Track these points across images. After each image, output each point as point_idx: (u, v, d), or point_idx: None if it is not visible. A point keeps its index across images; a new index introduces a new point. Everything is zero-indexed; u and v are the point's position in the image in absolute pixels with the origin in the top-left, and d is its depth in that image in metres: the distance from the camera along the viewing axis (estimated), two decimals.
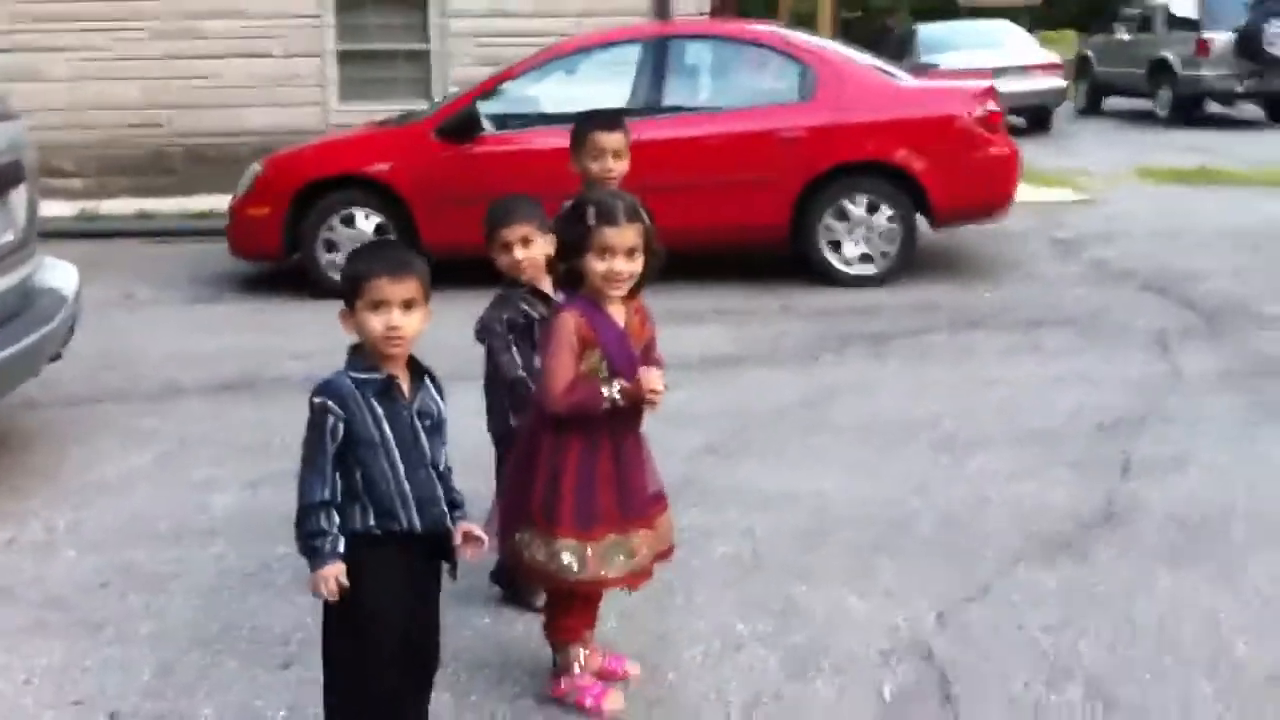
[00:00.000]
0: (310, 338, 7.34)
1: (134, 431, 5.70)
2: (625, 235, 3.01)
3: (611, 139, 4.13)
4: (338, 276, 8.76)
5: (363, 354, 2.72)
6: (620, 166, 4.13)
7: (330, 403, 2.65)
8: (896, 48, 18.47)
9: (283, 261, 8.82)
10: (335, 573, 2.61)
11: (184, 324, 7.90)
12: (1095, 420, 5.43)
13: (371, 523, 2.69)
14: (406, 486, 2.70)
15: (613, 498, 3.11)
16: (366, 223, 8.44)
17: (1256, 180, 12.34)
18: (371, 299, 2.66)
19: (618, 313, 3.10)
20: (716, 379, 6.29)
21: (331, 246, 8.47)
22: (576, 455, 3.08)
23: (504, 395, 3.68)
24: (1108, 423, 5.39)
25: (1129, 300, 7.66)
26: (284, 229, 8.55)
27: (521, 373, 3.59)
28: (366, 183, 8.51)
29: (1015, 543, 4.20)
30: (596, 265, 3.01)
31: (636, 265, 3.05)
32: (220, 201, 9.94)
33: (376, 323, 2.66)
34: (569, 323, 3.03)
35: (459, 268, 8.53)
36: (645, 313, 3.21)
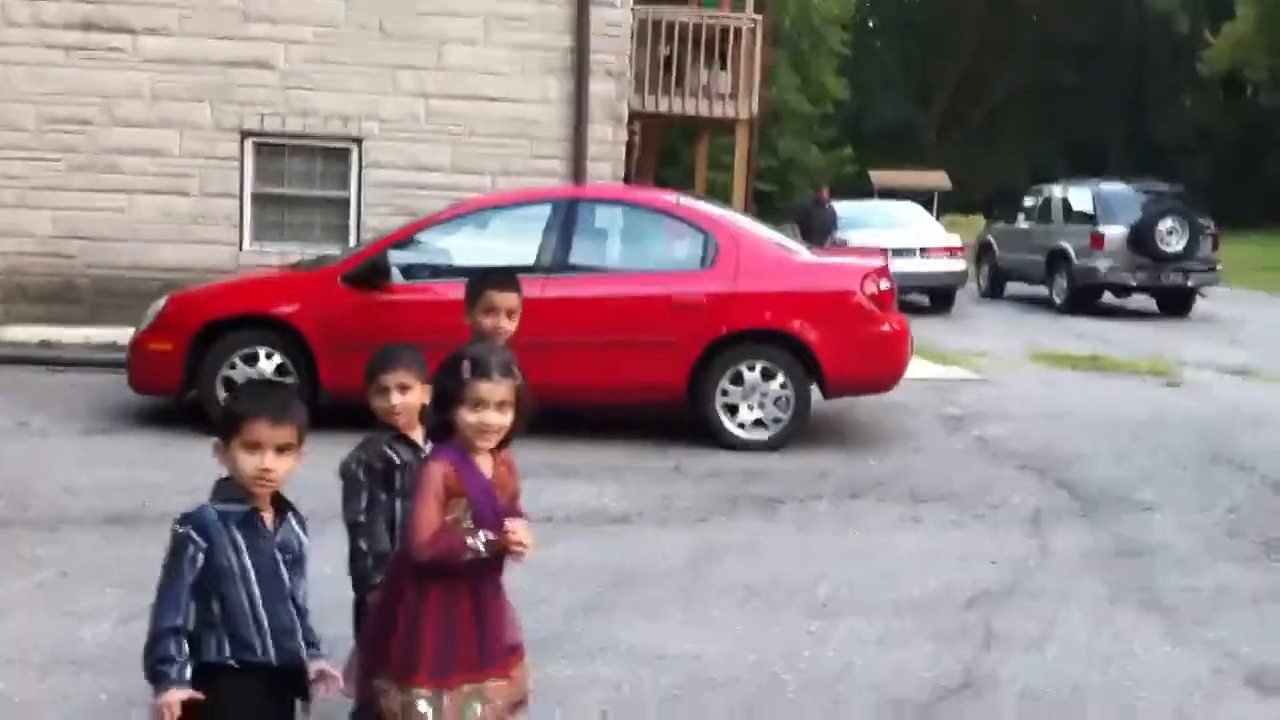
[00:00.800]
0: (202, 474, 7.30)
1: (14, 559, 5.65)
2: (498, 390, 3.13)
3: (506, 298, 4.28)
4: None
5: (229, 486, 2.79)
6: (511, 325, 4.28)
7: (192, 532, 2.72)
8: (829, 219, 19.30)
9: (181, 397, 8.81)
10: (178, 699, 2.64)
11: (78, 455, 7.83)
12: (964, 594, 5.58)
13: (227, 653, 2.73)
14: (265, 618, 2.76)
15: (472, 647, 3.16)
16: (268, 362, 8.50)
17: (1144, 370, 12.82)
18: (247, 439, 2.75)
19: (485, 464, 3.20)
20: (603, 534, 6.37)
21: (230, 385, 8.49)
22: (437, 603, 3.14)
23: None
24: (976, 596, 5.54)
25: (1009, 479, 7.90)
26: (184, 365, 8.57)
27: (360, 519, 3.66)
28: (271, 323, 8.58)
29: (873, 711, 4.29)
30: (469, 417, 3.12)
31: (507, 419, 3.16)
32: (123, 334, 9.95)
33: (249, 463, 2.74)
34: (437, 472, 3.12)
35: (357, 411, 8.54)
36: (511, 465, 3.31)
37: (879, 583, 5.74)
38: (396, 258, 8.75)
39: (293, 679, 2.85)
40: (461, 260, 8.86)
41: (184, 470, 7.39)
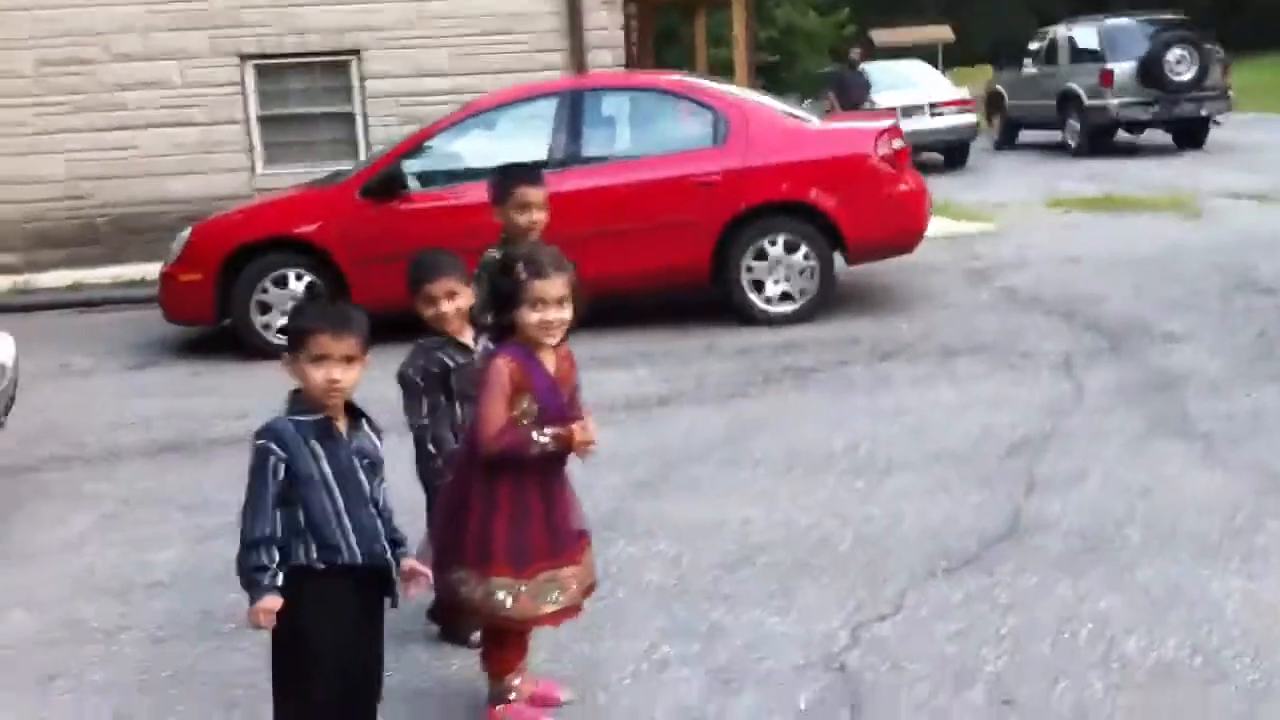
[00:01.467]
0: (246, 398, 7.50)
1: (77, 496, 5.84)
2: (555, 286, 3.23)
3: (535, 193, 4.35)
4: (271, 337, 8.95)
5: (302, 398, 2.91)
6: (543, 218, 4.35)
7: (272, 444, 2.84)
8: (864, 83, 18.68)
9: (216, 325, 8.95)
10: (272, 605, 2.79)
11: (121, 390, 8.00)
12: (1003, 441, 5.70)
13: (315, 556, 2.87)
14: (348, 521, 2.89)
15: (544, 536, 3.31)
16: (298, 283, 8.61)
17: (1159, 205, 12.80)
18: (313, 353, 2.85)
19: (548, 360, 3.31)
20: (642, 419, 6.51)
21: (265, 308, 8.63)
22: (508, 496, 3.27)
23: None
24: (1014, 442, 5.66)
25: (1037, 325, 7.98)
26: (216, 293, 8.69)
27: (424, 421, 3.80)
28: (296, 244, 8.68)
29: (925, 559, 4.44)
30: (531, 317, 3.22)
31: (567, 313, 3.27)
32: (150, 269, 10.08)
33: (318, 375, 2.85)
34: (503, 369, 3.23)
35: (390, 323, 8.69)
36: (572, 359, 3.42)
37: (919, 439, 5.86)
38: (410, 166, 8.81)
39: (379, 579, 2.99)
40: (474, 163, 8.88)
41: (227, 396, 7.59)
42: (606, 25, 13.40)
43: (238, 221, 9.14)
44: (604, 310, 8.28)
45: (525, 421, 3.24)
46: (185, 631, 4.23)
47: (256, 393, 7.64)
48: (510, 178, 4.39)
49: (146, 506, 5.62)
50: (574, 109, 8.94)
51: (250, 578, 2.82)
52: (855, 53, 18.88)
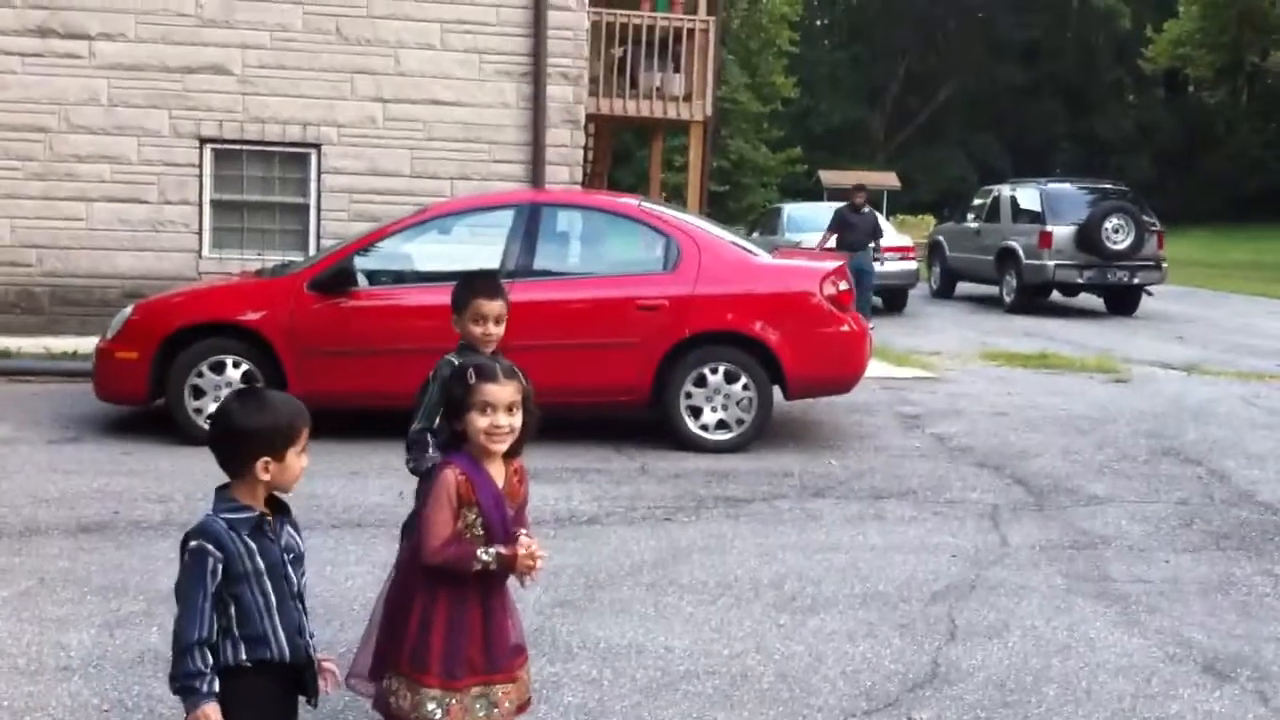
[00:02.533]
0: (172, 481, 7.42)
1: None
2: (505, 391, 3.26)
3: (494, 306, 4.37)
4: (203, 422, 8.85)
5: (230, 494, 2.89)
6: (499, 331, 4.38)
7: (208, 545, 2.81)
8: (872, 225, 17.59)
9: (148, 405, 8.86)
10: (212, 712, 2.74)
11: (45, 464, 7.86)
12: (927, 587, 5.76)
13: (243, 656, 2.83)
14: (277, 617, 2.87)
15: (479, 650, 3.28)
16: (235, 370, 8.56)
17: (1092, 367, 13.11)
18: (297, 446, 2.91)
19: (497, 473, 3.31)
20: (571, 536, 6.50)
21: (199, 393, 8.56)
22: (446, 606, 3.26)
23: None
24: (938, 590, 5.72)
25: (966, 475, 8.10)
26: (151, 373, 8.61)
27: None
28: (238, 331, 8.65)
29: (845, 700, 4.46)
30: (479, 422, 3.24)
31: (517, 420, 3.29)
32: (84, 343, 9.98)
33: (298, 468, 2.91)
34: (450, 479, 3.24)
35: (326, 416, 8.65)
36: (523, 473, 3.44)
37: (844, 578, 5.90)
38: (362, 264, 8.83)
39: (299, 674, 2.96)
40: (426, 266, 8.99)
41: (153, 478, 7.49)
42: (567, 142, 13.67)
43: (181, 303, 9.10)
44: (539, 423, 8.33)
45: (470, 535, 3.24)
46: (93, 718, 4.13)
47: (183, 476, 7.57)
48: (468, 288, 4.43)
49: (63, 586, 5.50)
50: (530, 222, 9.04)
51: (187, 684, 2.77)
52: (860, 196, 17.79)
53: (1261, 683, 4.74)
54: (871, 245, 17.05)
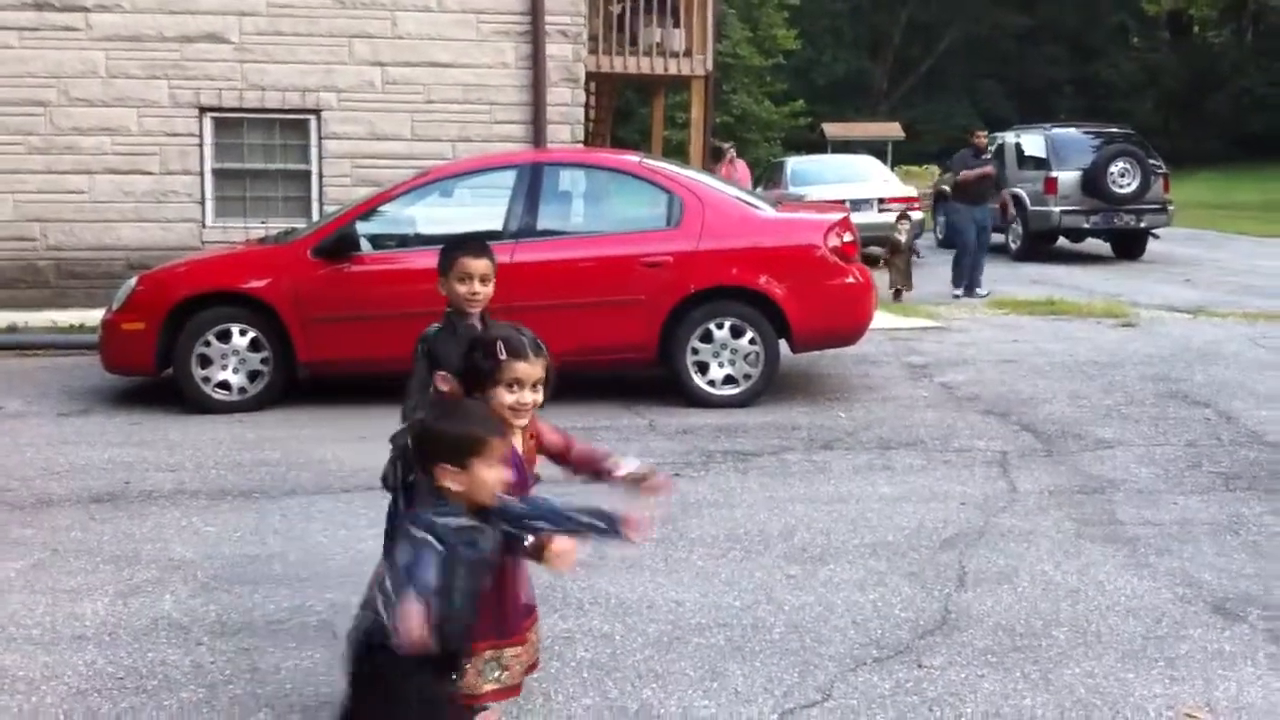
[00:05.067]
0: (181, 451, 7.45)
1: (4, 541, 5.76)
2: (534, 369, 3.27)
3: (479, 264, 4.35)
4: (211, 391, 8.88)
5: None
6: (486, 291, 4.35)
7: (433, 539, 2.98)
8: (996, 169, 16.38)
9: (156, 376, 8.89)
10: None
11: (55, 436, 7.90)
12: (936, 535, 5.78)
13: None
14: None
15: (490, 615, 3.30)
16: (241, 339, 8.58)
17: (1099, 312, 13.09)
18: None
19: (516, 439, 3.32)
20: (580, 494, 6.50)
21: (206, 362, 8.58)
22: None
23: None
24: (948, 537, 5.74)
25: (974, 423, 8.11)
26: (158, 343, 8.63)
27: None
28: (243, 299, 8.65)
29: (856, 649, 4.48)
30: (505, 398, 3.24)
31: (539, 396, 3.30)
32: (90, 316, 10.00)
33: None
34: None
35: (334, 384, 8.70)
36: (540, 434, 3.45)
37: (854, 528, 5.92)
38: (364, 228, 8.83)
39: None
40: (429, 229, 8.97)
41: (163, 448, 7.52)
42: (568, 101, 13.60)
43: (185, 273, 9.10)
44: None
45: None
46: (108, 686, 4.17)
47: (192, 445, 7.61)
48: (454, 248, 4.41)
49: (75, 557, 5.55)
50: (533, 182, 9.02)
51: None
52: (979, 138, 16.27)
53: (1273, 621, 4.75)
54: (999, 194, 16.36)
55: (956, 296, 14.84)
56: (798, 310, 8.75)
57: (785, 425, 8.12)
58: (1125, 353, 10.56)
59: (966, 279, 15.15)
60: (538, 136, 13.34)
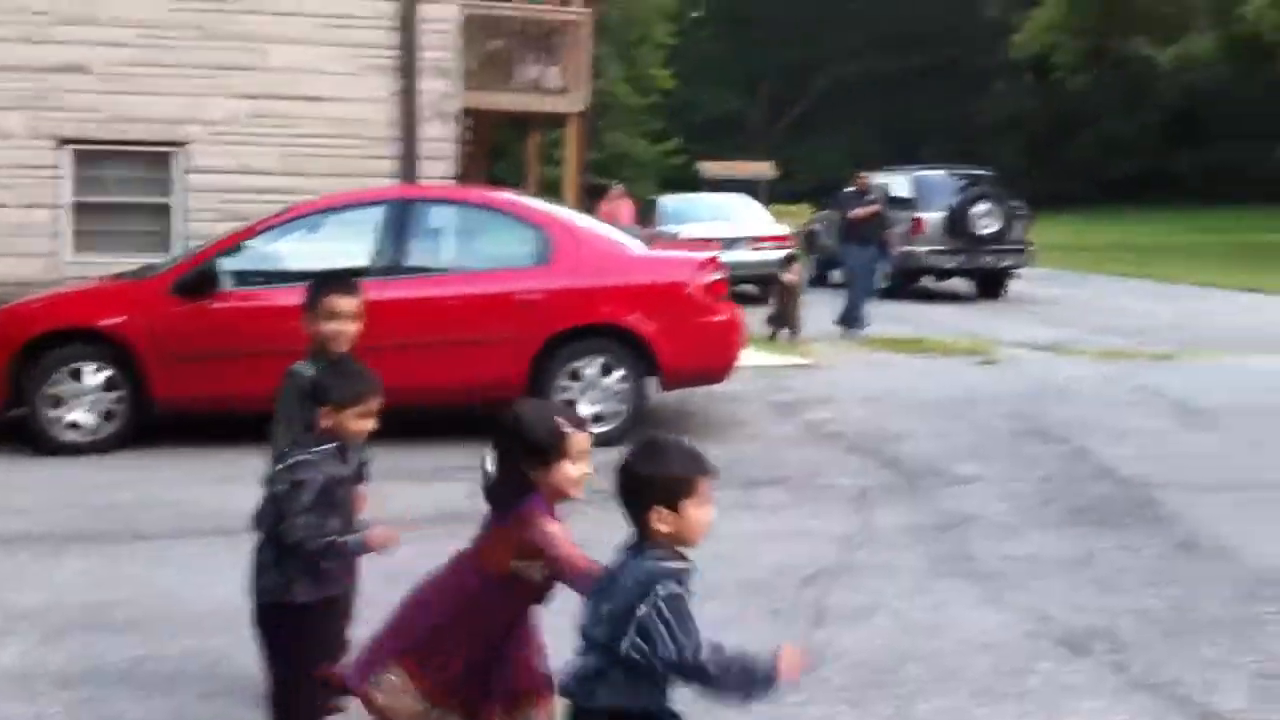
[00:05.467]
0: (29, 494, 7.21)
1: None
2: (589, 439, 3.36)
3: (347, 303, 4.30)
4: (61, 432, 8.60)
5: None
6: (353, 330, 4.31)
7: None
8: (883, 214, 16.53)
9: (4, 416, 8.59)
10: None
11: None
12: (798, 573, 5.84)
13: None
14: None
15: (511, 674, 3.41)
16: (95, 376, 8.35)
17: (962, 350, 13.40)
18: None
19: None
20: (450, 535, 6.43)
21: (57, 401, 8.32)
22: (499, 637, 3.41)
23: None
24: (809, 575, 5.81)
25: (837, 460, 8.23)
26: (9, 381, 8.36)
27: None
28: (97, 336, 8.43)
29: None
30: (571, 471, 3.29)
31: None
32: None
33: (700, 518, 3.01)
34: (553, 522, 3.35)
35: (191, 424, 8.50)
36: None
37: (717, 565, 5.90)
38: (227, 264, 8.68)
39: None
40: (294, 265, 8.85)
41: (9, 491, 7.29)
42: (441, 137, 13.53)
43: (39, 309, 8.84)
44: (416, 421, 8.28)
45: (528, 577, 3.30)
46: None
47: (42, 487, 7.37)
48: (322, 285, 4.36)
49: None
50: (401, 218, 8.97)
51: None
52: (863, 180, 16.69)
53: (1118, 654, 4.89)
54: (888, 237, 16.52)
55: (851, 332, 15.05)
56: (667, 348, 8.80)
57: None
58: (986, 390, 10.83)
59: (857, 317, 15.32)
60: (409, 172, 13.24)
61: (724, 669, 2.87)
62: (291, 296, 8.41)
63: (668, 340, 8.80)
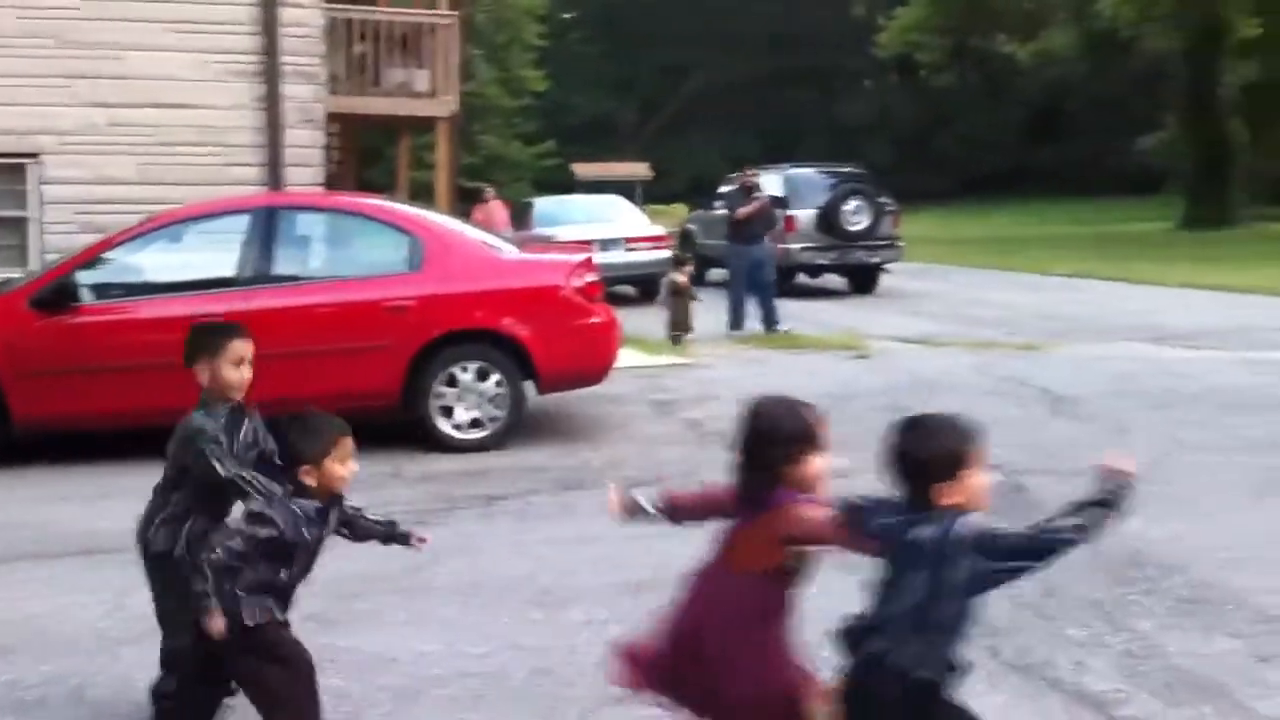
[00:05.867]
0: None
1: None
2: None
3: (249, 345, 4.18)
4: None
5: None
6: (250, 373, 4.18)
7: None
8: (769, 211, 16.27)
9: None
10: None
11: None
12: (679, 571, 5.83)
13: None
14: None
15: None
16: None
17: (836, 345, 13.58)
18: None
19: None
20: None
21: None
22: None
23: None
24: (690, 572, 5.80)
25: (717, 458, 8.19)
26: None
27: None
28: None
29: (599, 690, 4.47)
30: (820, 464, 3.32)
31: None
32: None
33: None
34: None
35: (51, 442, 8.23)
36: None
37: (600, 568, 5.94)
38: (86, 278, 8.42)
39: None
40: (156, 277, 8.64)
41: None
42: (307, 143, 13.30)
43: None
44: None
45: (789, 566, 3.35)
46: None
47: None
48: (220, 331, 4.19)
49: None
50: (267, 227, 8.79)
51: None
52: (751, 176, 16.49)
53: (991, 638, 4.96)
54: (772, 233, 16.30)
55: (735, 333, 15.08)
56: (543, 351, 8.76)
57: (532, 467, 8.10)
58: (860, 384, 10.98)
59: (749, 316, 15.29)
60: (275, 179, 12.99)
61: (1085, 524, 2.97)
62: (154, 308, 8.30)
63: (543, 344, 8.76)
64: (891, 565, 3.14)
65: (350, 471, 3.77)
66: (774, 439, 3.33)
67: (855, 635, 3.19)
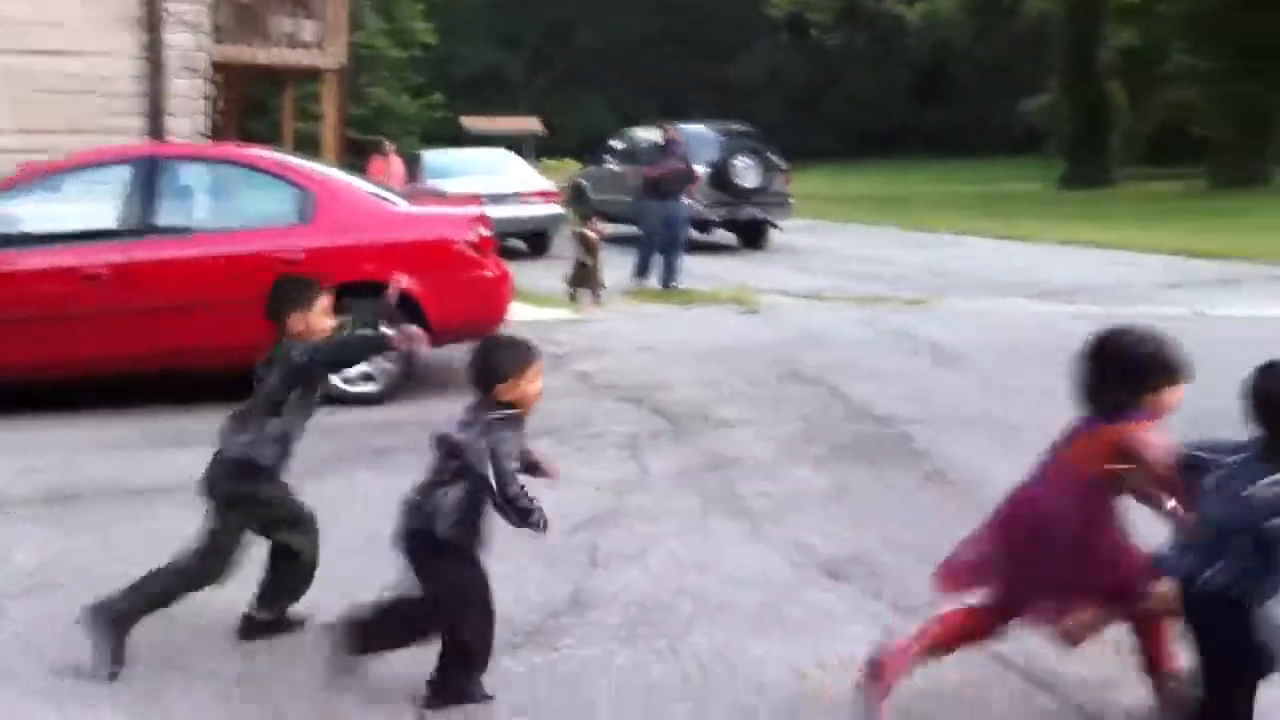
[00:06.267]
0: None
1: None
2: None
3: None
4: None
5: None
6: None
7: None
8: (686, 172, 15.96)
9: None
10: None
11: None
12: (569, 519, 5.90)
13: None
14: None
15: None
16: None
17: (726, 299, 13.71)
18: None
19: None
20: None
21: None
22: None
23: None
24: (580, 521, 5.89)
25: (608, 409, 8.35)
26: None
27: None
28: None
29: (505, 636, 4.54)
30: (1179, 395, 3.62)
31: None
32: None
33: None
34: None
35: None
36: None
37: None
38: None
39: None
40: (34, 228, 8.43)
41: None
42: (189, 93, 13.03)
43: None
44: (174, 387, 8.02)
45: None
46: None
47: None
48: (308, 286, 4.82)
49: None
50: (149, 177, 8.61)
51: None
52: (673, 131, 16.24)
53: (872, 580, 5.14)
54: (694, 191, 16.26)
55: (642, 283, 15.11)
56: (435, 304, 8.71)
57: (423, 420, 8.04)
58: (750, 338, 11.14)
59: (655, 271, 15.34)
60: (156, 129, 12.70)
61: None
62: (33, 260, 8.10)
63: (435, 297, 8.71)
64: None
65: (538, 390, 4.17)
66: (1150, 368, 3.60)
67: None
